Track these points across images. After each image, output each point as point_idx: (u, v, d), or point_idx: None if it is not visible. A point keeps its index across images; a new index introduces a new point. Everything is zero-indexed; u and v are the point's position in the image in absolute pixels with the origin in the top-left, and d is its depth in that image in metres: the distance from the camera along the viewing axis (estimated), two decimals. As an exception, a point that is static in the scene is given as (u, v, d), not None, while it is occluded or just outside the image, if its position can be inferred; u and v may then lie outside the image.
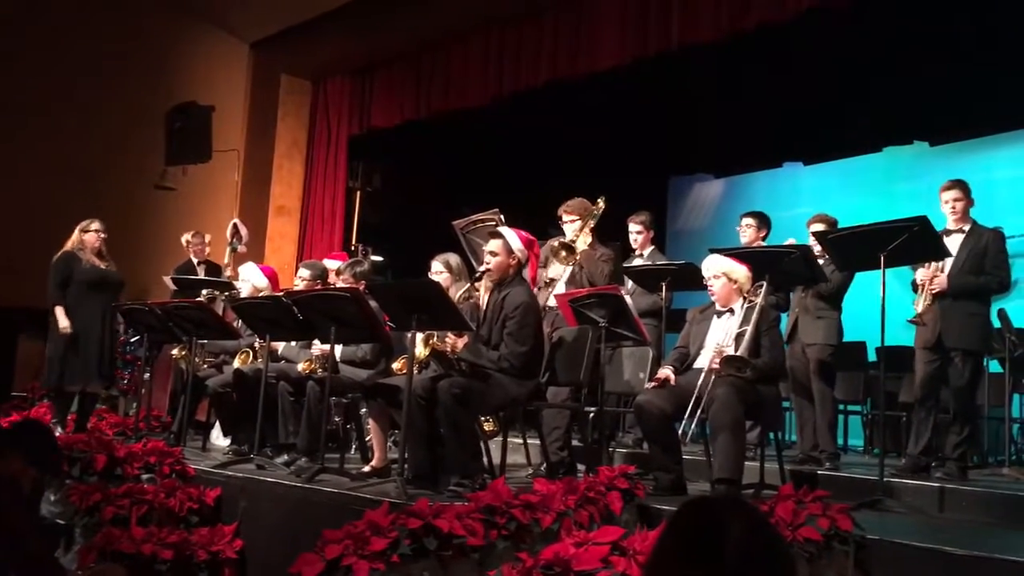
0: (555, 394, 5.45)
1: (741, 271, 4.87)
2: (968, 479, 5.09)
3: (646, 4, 7.47)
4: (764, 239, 6.37)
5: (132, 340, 7.99)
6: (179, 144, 9.78)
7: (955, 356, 5.17)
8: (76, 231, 7.04)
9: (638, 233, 6.62)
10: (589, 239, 5.88)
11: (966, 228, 5.25)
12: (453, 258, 5.46)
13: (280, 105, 10.39)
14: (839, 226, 5.64)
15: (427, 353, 4.82)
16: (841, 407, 7.39)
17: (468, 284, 5.11)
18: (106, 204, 8.21)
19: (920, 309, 5.19)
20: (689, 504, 1.53)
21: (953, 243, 5.21)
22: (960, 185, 5.33)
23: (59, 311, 6.75)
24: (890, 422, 6.99)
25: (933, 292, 5.18)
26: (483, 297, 5.02)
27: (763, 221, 6.47)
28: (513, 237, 4.90)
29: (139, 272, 8.59)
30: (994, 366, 6.73)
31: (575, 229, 5.89)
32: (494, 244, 4.89)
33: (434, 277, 5.31)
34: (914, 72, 8.08)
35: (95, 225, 7.05)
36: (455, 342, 4.87)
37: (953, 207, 5.28)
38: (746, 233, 6.44)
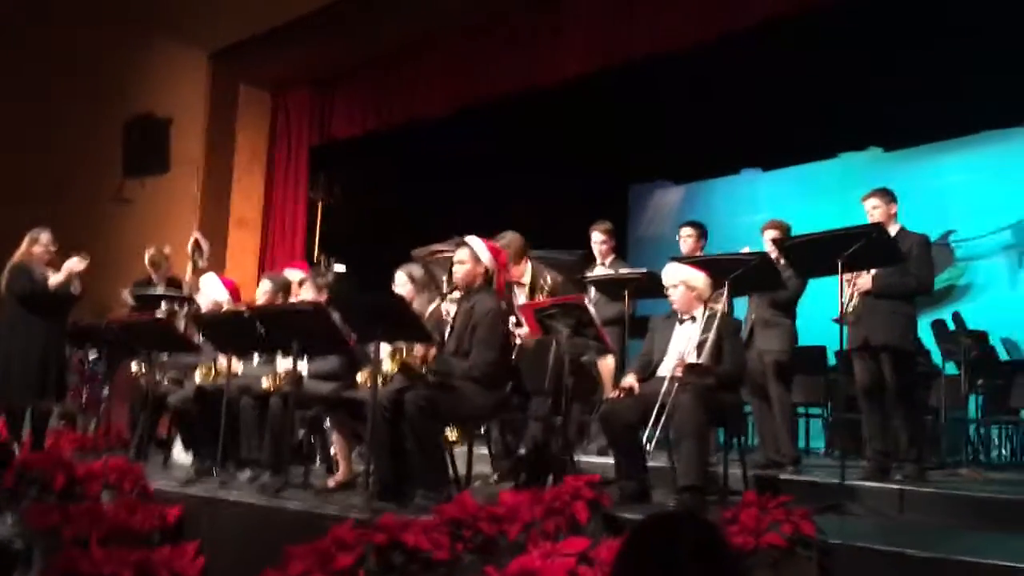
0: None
1: (700, 279, 4.91)
2: (927, 480, 5.17)
3: (608, 15, 7.52)
4: (703, 248, 6.45)
5: (91, 356, 7.86)
6: (137, 156, 9.68)
7: (883, 355, 5.26)
8: (26, 241, 6.83)
9: (602, 243, 6.65)
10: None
11: (893, 232, 5.34)
12: (417, 270, 5.45)
13: (239, 116, 10.29)
14: (792, 232, 5.73)
15: (395, 369, 4.78)
16: (802, 410, 7.49)
17: (438, 297, 5.08)
18: (63, 217, 8.09)
19: (847, 308, 5.27)
20: (641, 524, 1.56)
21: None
22: (878, 193, 5.46)
23: (66, 265, 6.58)
24: (850, 425, 7.08)
25: (858, 291, 5.27)
26: (452, 309, 4.99)
27: (702, 231, 6.57)
28: (480, 246, 4.91)
29: (97, 286, 8.44)
30: (951, 368, 6.86)
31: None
32: (461, 253, 4.89)
33: (398, 289, 5.30)
34: (868, 78, 8.23)
35: (44, 237, 6.82)
36: (425, 353, 4.84)
37: (871, 215, 5.41)
38: (686, 243, 6.51)
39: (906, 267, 5.23)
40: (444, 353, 4.82)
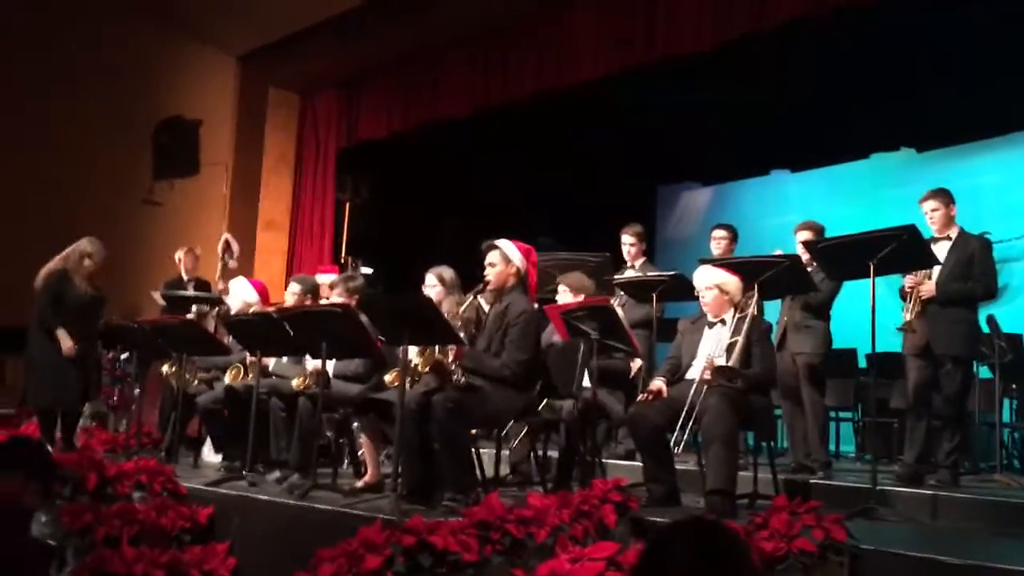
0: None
1: (733, 282, 4.88)
2: (960, 486, 5.11)
3: (631, 15, 7.50)
4: (734, 251, 6.41)
5: (122, 357, 7.94)
6: (166, 158, 9.78)
7: (945, 362, 5.19)
8: (76, 252, 6.73)
9: (631, 245, 6.63)
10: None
11: (952, 235, 5.28)
12: (447, 271, 5.45)
13: (268, 118, 10.38)
14: (826, 233, 5.67)
15: (426, 367, 4.77)
16: (833, 414, 7.42)
17: (470, 297, 5.08)
18: (93, 219, 8.18)
19: (909, 316, 5.21)
20: (661, 531, 1.58)
21: (940, 250, 5.24)
22: (938, 195, 5.36)
23: (62, 333, 6.51)
24: (881, 429, 7.01)
25: (921, 299, 5.20)
26: (486, 309, 4.99)
27: (735, 233, 6.54)
28: (511, 247, 4.90)
29: (128, 287, 8.55)
30: (984, 372, 6.76)
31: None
32: (492, 255, 4.89)
33: (427, 290, 5.31)
34: (900, 79, 8.14)
35: (99, 257, 6.76)
36: (458, 351, 4.82)
37: (931, 217, 5.32)
38: (719, 244, 6.48)
39: (967, 271, 5.17)
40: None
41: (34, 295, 6.68)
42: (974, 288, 5.20)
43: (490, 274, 4.87)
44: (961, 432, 5.29)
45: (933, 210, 5.32)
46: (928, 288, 5.19)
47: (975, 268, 5.20)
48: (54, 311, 6.58)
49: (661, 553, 1.53)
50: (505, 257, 4.86)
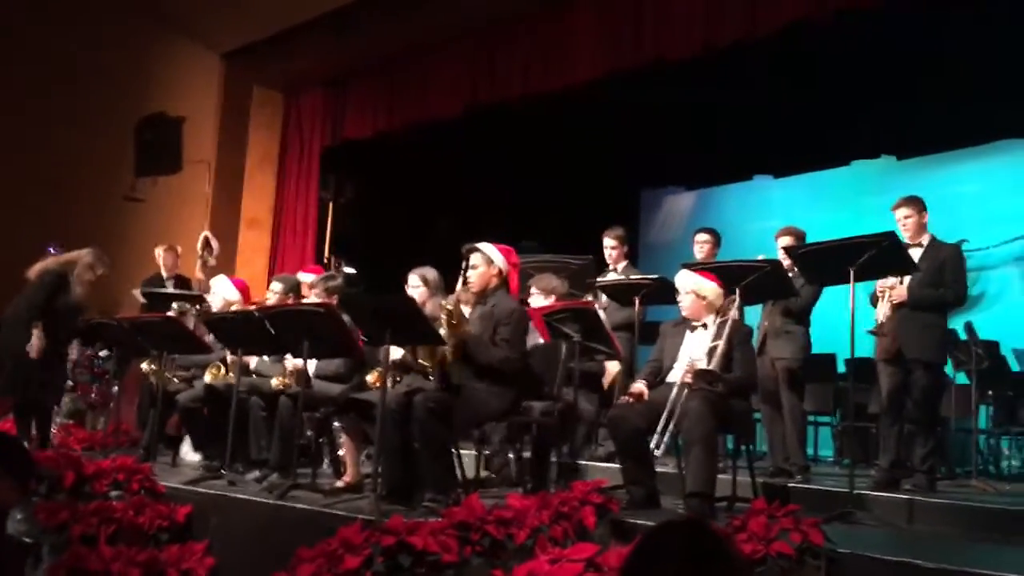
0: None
1: (710, 287, 4.89)
2: (937, 491, 5.15)
3: (620, 20, 7.54)
4: (717, 256, 6.45)
5: (101, 354, 7.88)
6: (149, 155, 9.71)
7: (915, 368, 5.24)
8: (83, 262, 6.63)
9: (612, 248, 6.65)
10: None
11: (924, 242, 5.32)
12: (430, 272, 5.45)
13: (252, 116, 10.35)
14: (807, 239, 5.71)
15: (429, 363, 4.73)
16: (811, 418, 7.46)
17: (454, 298, 5.07)
18: (75, 216, 8.13)
19: (880, 319, 5.25)
20: (649, 532, 1.57)
21: (912, 256, 5.28)
22: (910, 202, 5.40)
23: (36, 332, 6.41)
24: (859, 433, 7.06)
25: (893, 303, 5.25)
26: (467, 312, 4.98)
27: (717, 238, 6.58)
28: (492, 249, 4.91)
29: (108, 284, 8.48)
30: (961, 378, 6.83)
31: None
32: (474, 258, 4.89)
33: (411, 291, 5.31)
34: (882, 87, 8.20)
35: (102, 270, 6.70)
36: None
37: (904, 224, 5.36)
38: (702, 249, 6.51)
39: (939, 278, 5.21)
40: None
41: (25, 288, 6.60)
42: (945, 294, 5.25)
43: (472, 276, 4.87)
44: (934, 437, 5.33)
45: (906, 217, 5.37)
46: (900, 292, 5.23)
47: (947, 275, 5.24)
48: (41, 310, 6.50)
49: (650, 553, 1.52)
50: (487, 259, 4.87)
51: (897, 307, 5.25)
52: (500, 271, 4.90)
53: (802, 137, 9.15)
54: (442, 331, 4.61)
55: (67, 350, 6.91)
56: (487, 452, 5.74)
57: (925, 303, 5.23)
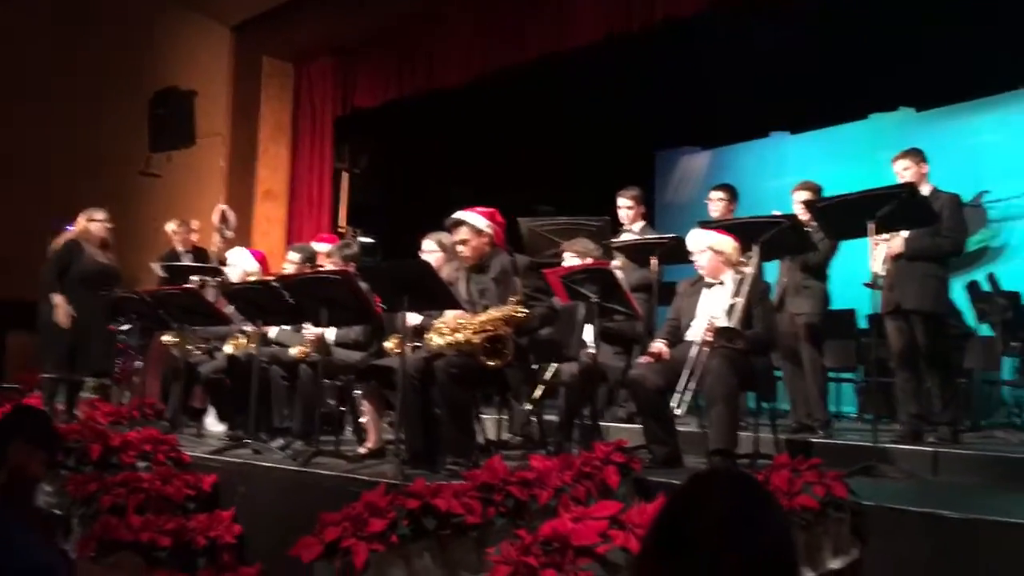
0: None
1: (726, 242, 4.86)
2: (961, 442, 5.13)
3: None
4: (734, 212, 6.38)
5: (123, 328, 7.93)
6: (162, 130, 9.72)
7: (915, 319, 5.20)
8: (81, 219, 6.92)
9: (628, 208, 6.61)
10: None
11: (925, 192, 5.25)
12: (446, 237, 5.41)
13: (263, 88, 10.29)
14: (823, 193, 5.65)
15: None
16: (833, 375, 7.43)
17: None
18: (91, 192, 8.14)
19: (877, 270, 5.19)
20: (684, 484, 1.50)
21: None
22: (909, 154, 5.36)
23: (58, 299, 6.64)
24: (882, 388, 7.02)
25: (890, 255, 5.20)
26: (461, 286, 4.95)
27: (732, 194, 6.51)
28: (475, 217, 4.86)
29: (126, 260, 8.50)
30: (984, 330, 6.77)
31: None
32: (462, 232, 4.85)
33: (426, 256, 5.29)
34: (899, 38, 8.07)
35: (100, 215, 6.94)
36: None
37: (903, 176, 5.31)
38: (716, 206, 6.45)
39: (938, 228, 5.15)
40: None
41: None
42: (942, 243, 5.20)
43: (465, 250, 4.85)
44: (949, 386, 5.30)
45: (905, 169, 5.33)
46: (897, 244, 5.19)
47: (944, 224, 5.18)
48: (57, 280, 6.67)
49: (691, 504, 1.45)
50: (475, 229, 4.84)
51: (895, 258, 5.20)
52: (490, 237, 4.87)
53: (818, 92, 9.03)
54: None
55: (103, 324, 6.97)
56: (508, 415, 5.76)
57: (922, 253, 5.18)
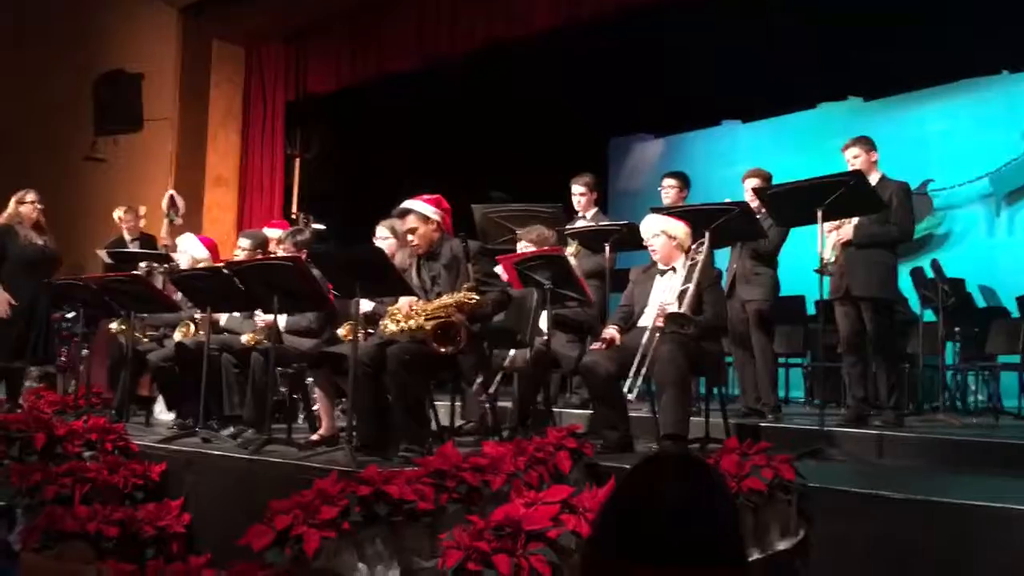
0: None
1: (680, 228, 4.91)
2: (904, 426, 5.24)
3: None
4: (685, 199, 6.43)
5: (68, 316, 7.77)
6: (108, 113, 9.52)
7: (864, 306, 5.29)
8: (12, 203, 6.79)
9: (581, 195, 6.62)
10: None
11: (873, 180, 5.33)
12: (399, 223, 5.39)
13: (213, 72, 10.12)
14: (774, 181, 5.72)
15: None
16: (782, 360, 7.55)
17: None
18: (36, 177, 7.95)
19: (826, 257, 5.27)
20: (635, 466, 1.50)
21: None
22: (859, 142, 5.43)
23: None
24: (829, 374, 7.15)
25: (840, 241, 5.28)
26: (412, 274, 4.93)
27: (685, 181, 6.54)
28: (422, 205, 4.84)
29: (72, 246, 8.36)
30: (928, 315, 6.92)
31: None
32: (410, 220, 4.82)
33: (379, 243, 5.27)
34: (848, 29, 8.18)
35: (30, 196, 6.81)
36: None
37: (853, 164, 5.37)
38: (668, 194, 6.49)
39: (887, 215, 5.24)
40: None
41: None
42: (891, 230, 5.28)
43: (415, 239, 4.83)
44: (894, 372, 5.40)
45: (855, 157, 5.40)
46: (845, 230, 5.27)
47: (893, 212, 5.27)
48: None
49: (641, 487, 1.44)
50: (423, 217, 4.81)
51: (845, 245, 5.28)
52: (438, 223, 4.86)
53: (769, 81, 9.14)
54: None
55: (43, 309, 6.82)
56: (462, 402, 5.76)
57: (872, 240, 5.26)
